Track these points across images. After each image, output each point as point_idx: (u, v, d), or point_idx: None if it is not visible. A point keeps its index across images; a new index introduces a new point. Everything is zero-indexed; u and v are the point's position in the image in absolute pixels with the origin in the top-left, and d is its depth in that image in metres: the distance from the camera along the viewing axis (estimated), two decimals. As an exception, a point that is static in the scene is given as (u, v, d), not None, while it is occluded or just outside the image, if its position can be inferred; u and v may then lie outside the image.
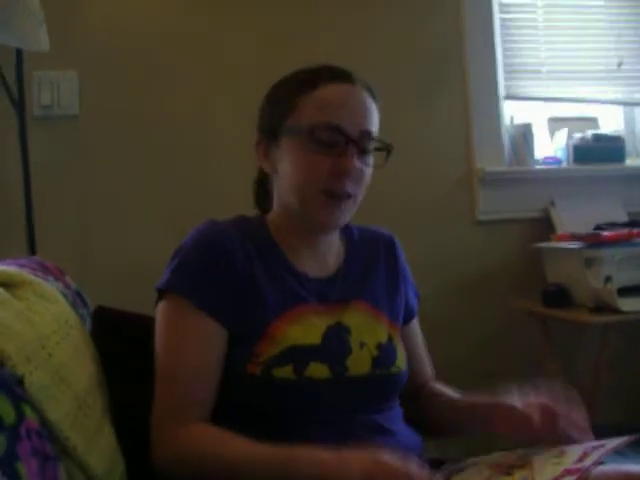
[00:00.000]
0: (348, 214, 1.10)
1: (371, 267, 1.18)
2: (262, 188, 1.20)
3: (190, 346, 1.01)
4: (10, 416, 0.68)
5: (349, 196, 1.07)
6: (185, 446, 0.95)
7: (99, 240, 2.02)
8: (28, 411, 0.72)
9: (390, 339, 1.10)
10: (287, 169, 1.09)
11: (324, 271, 1.13)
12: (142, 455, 1.04)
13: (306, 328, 1.04)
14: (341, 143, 1.05)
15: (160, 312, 1.05)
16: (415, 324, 1.25)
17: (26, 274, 0.99)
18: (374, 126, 1.10)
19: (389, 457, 0.83)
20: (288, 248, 1.12)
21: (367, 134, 1.08)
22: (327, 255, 1.15)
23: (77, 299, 1.13)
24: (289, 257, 1.11)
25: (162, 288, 1.05)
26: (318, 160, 1.05)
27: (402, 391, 1.14)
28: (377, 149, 1.11)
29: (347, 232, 1.21)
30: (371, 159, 1.10)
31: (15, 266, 1.02)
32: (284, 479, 0.87)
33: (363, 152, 1.08)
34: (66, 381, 0.89)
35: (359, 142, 1.06)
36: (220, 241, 1.07)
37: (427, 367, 1.25)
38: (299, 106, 1.08)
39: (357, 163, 1.05)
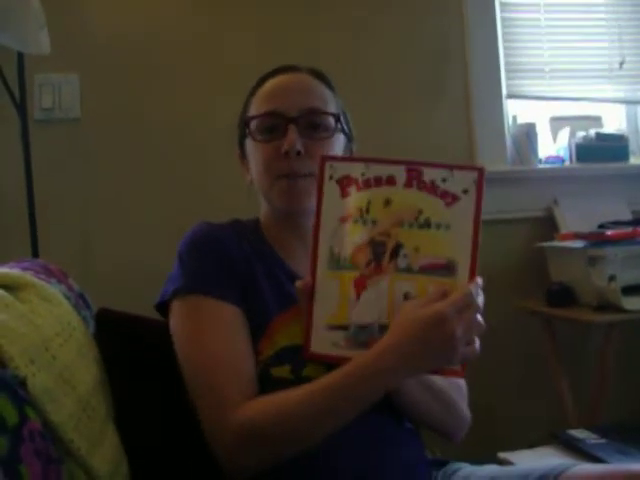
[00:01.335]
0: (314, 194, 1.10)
1: None
2: None
3: (221, 336, 1.00)
4: (13, 418, 0.68)
5: (306, 175, 1.07)
6: (250, 420, 0.91)
7: (101, 242, 2.01)
8: (31, 413, 0.72)
9: None
10: (252, 170, 1.14)
11: None
12: (145, 457, 1.04)
13: (302, 329, 1.04)
14: (282, 126, 1.07)
15: (177, 317, 1.04)
16: None
17: (29, 277, 0.99)
18: (320, 103, 1.11)
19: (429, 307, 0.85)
20: (282, 249, 1.13)
21: (310, 110, 1.09)
22: None
23: (80, 301, 1.13)
24: (284, 258, 1.12)
25: (174, 294, 1.04)
26: (266, 148, 1.08)
27: None
28: (341, 129, 1.13)
29: None
30: (328, 133, 1.10)
31: (18, 269, 1.02)
32: (363, 395, 0.88)
33: (312, 128, 1.09)
34: (70, 383, 0.89)
35: (300, 119, 1.07)
36: (216, 237, 1.08)
37: None
38: (249, 110, 1.14)
39: (300, 140, 1.06)
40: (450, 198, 0.89)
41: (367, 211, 0.90)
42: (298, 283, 0.94)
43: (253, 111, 1.12)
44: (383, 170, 0.91)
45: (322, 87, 1.13)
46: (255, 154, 1.11)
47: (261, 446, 0.92)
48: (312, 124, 1.09)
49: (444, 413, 1.09)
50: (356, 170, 0.91)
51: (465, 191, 0.89)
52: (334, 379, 0.89)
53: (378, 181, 0.91)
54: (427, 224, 0.89)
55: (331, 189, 0.92)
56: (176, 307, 1.04)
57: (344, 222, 0.91)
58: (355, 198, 0.91)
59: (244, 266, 1.07)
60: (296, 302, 1.07)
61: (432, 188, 0.89)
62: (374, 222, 0.90)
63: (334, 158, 0.97)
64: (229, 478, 0.97)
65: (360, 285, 0.90)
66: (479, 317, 0.87)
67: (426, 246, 0.89)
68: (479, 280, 0.88)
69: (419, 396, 1.03)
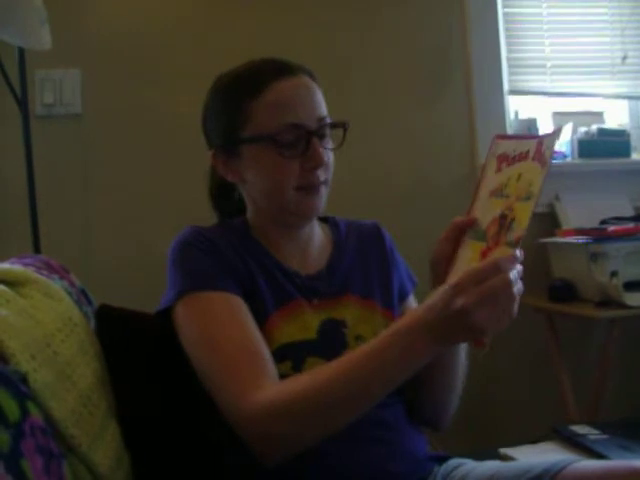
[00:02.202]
0: (325, 199, 1.11)
1: (361, 258, 1.18)
2: (222, 196, 1.21)
3: (233, 323, 0.99)
4: (14, 413, 0.68)
5: (323, 183, 1.08)
6: (273, 399, 0.90)
7: (103, 238, 2.02)
8: (32, 408, 0.72)
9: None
10: (257, 177, 1.10)
11: (313, 267, 1.13)
12: (147, 452, 1.04)
13: (300, 325, 1.05)
14: (303, 138, 1.06)
15: (185, 318, 1.03)
16: (411, 304, 1.21)
17: (31, 272, 1.00)
18: (325, 109, 1.10)
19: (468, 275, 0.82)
20: (273, 249, 1.12)
21: (322, 120, 1.09)
22: (310, 248, 1.15)
23: (82, 297, 1.13)
24: (275, 255, 1.11)
25: (177, 298, 1.03)
26: (287, 162, 1.06)
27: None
28: (333, 126, 1.12)
29: (334, 226, 1.21)
30: (330, 141, 1.11)
31: (20, 265, 1.02)
32: (382, 373, 0.88)
33: (324, 138, 1.09)
34: (71, 379, 0.89)
35: (319, 131, 1.07)
36: (206, 237, 1.08)
37: None
38: (252, 113, 1.08)
39: (323, 151, 1.06)
40: (544, 165, 0.87)
41: (506, 186, 0.91)
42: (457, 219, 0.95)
43: (264, 120, 1.06)
44: (524, 146, 0.91)
45: (319, 90, 1.12)
46: (270, 166, 1.07)
47: (281, 427, 0.90)
48: (325, 134, 1.09)
49: (459, 388, 1.11)
50: (509, 147, 0.93)
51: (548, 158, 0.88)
52: (356, 362, 0.89)
53: (519, 157, 0.92)
54: (528, 196, 0.87)
55: (491, 164, 0.95)
56: (181, 309, 1.03)
57: (491, 196, 0.93)
58: (502, 174, 0.93)
59: (239, 264, 1.06)
60: (293, 299, 1.07)
61: (542, 159, 0.88)
62: (507, 196, 0.91)
63: (504, 137, 0.98)
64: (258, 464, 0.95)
65: (485, 256, 0.90)
66: (514, 288, 0.82)
67: (521, 218, 0.88)
68: (515, 252, 0.84)
69: (461, 359, 1.07)
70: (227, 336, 0.98)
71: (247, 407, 0.91)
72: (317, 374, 0.91)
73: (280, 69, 1.09)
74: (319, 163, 1.06)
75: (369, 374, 0.88)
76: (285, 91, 1.07)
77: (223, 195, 1.22)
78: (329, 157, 1.09)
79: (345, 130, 1.12)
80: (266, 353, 0.98)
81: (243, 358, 0.96)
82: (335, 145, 1.11)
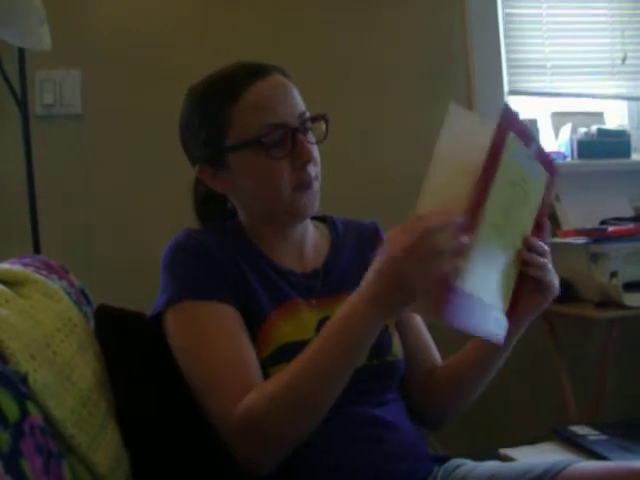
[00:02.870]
0: (318, 196, 1.11)
1: (359, 258, 1.17)
2: (210, 206, 1.20)
3: (221, 336, 1.00)
4: (14, 413, 0.68)
5: (314, 179, 1.09)
6: (246, 411, 0.91)
7: (103, 238, 2.02)
8: (32, 408, 0.72)
9: (385, 327, 1.07)
10: (249, 183, 1.09)
11: (309, 265, 1.13)
12: (146, 452, 1.04)
13: (298, 324, 1.04)
14: (288, 136, 1.06)
15: (174, 326, 1.03)
16: None
17: (30, 273, 1.00)
18: (303, 105, 1.10)
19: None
20: (265, 246, 1.12)
21: (303, 115, 1.09)
22: (305, 246, 1.15)
23: (81, 297, 1.13)
24: (269, 254, 1.11)
25: (167, 304, 1.03)
26: (277, 163, 1.05)
27: (411, 384, 1.14)
28: (314, 120, 1.12)
29: (331, 226, 1.21)
30: (319, 136, 1.12)
31: (19, 265, 1.02)
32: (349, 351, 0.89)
33: (307, 132, 1.09)
34: (70, 379, 0.90)
35: (301, 127, 1.07)
36: (199, 242, 1.07)
37: (434, 353, 1.22)
38: (233, 119, 1.07)
39: (310, 146, 1.07)
40: None
41: None
42: None
43: (246, 125, 1.06)
44: None
45: (295, 87, 1.11)
46: (260, 171, 1.07)
47: (260, 435, 0.91)
48: (307, 129, 1.09)
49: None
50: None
51: None
52: (308, 356, 0.90)
53: None
54: None
55: None
56: (171, 317, 1.03)
57: None
58: None
59: (232, 267, 1.06)
60: (290, 298, 1.07)
61: None
62: None
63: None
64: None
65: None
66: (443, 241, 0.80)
67: None
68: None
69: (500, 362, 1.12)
70: (212, 349, 0.99)
71: (228, 421, 0.93)
72: (281, 374, 0.92)
73: (254, 71, 1.09)
74: (308, 158, 1.06)
75: (328, 364, 0.89)
76: (263, 92, 1.07)
77: (210, 205, 1.21)
78: (316, 151, 1.10)
79: (327, 122, 1.11)
80: (252, 365, 0.99)
81: (227, 372, 0.97)
82: (320, 139, 1.11)
